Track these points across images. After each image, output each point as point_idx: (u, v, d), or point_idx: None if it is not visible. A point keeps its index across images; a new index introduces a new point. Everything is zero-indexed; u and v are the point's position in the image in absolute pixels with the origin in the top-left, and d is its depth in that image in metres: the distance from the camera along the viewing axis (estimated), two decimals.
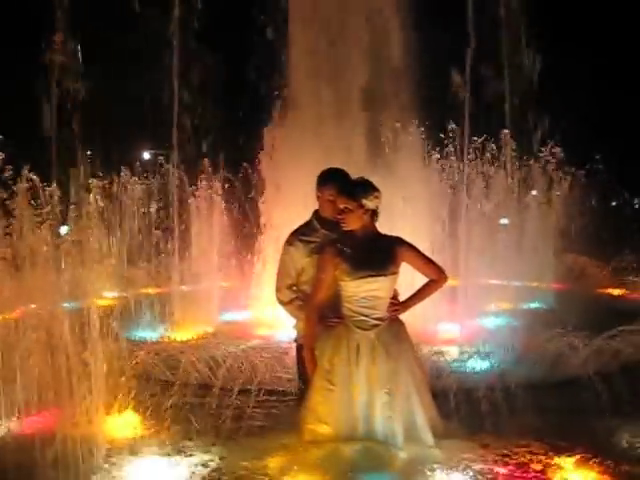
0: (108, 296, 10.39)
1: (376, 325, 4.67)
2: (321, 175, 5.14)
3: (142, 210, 12.33)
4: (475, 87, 9.56)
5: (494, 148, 11.23)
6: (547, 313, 10.11)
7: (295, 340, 5.26)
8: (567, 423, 5.35)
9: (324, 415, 4.66)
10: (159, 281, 11.26)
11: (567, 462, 4.72)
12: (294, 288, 5.05)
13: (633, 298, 11.50)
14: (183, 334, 8.96)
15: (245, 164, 12.87)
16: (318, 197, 5.10)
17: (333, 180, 4.99)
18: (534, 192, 13.11)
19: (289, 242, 5.12)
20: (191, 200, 11.46)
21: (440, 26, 10.63)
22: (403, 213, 9.19)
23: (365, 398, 4.59)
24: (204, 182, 11.76)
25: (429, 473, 4.46)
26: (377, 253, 4.69)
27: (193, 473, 4.70)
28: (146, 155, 33.16)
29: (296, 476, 4.45)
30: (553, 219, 12.50)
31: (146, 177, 13.11)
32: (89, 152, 17.32)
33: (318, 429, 4.66)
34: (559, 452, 4.85)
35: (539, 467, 4.68)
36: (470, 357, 7.03)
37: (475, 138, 10.67)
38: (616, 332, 6.66)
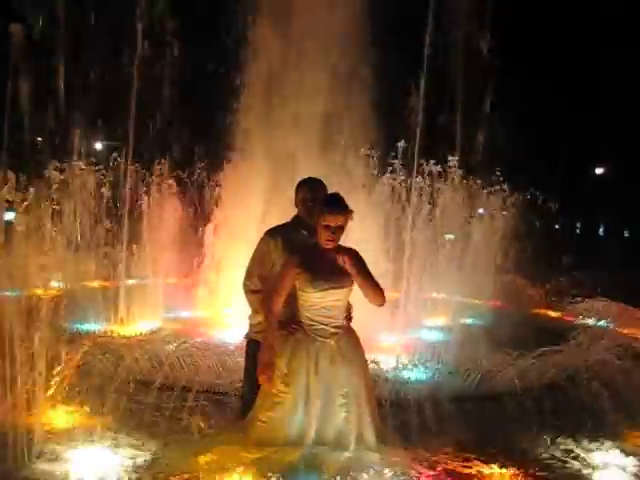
0: (53, 286, 10.34)
1: (335, 333, 4.86)
2: (298, 182, 5.43)
3: (93, 202, 12.20)
4: (428, 110, 9.83)
5: (442, 169, 11.58)
6: (483, 330, 10.47)
7: (246, 336, 5.42)
8: (491, 434, 5.69)
9: (275, 419, 4.79)
10: (106, 274, 11.23)
11: (489, 469, 5.04)
12: (262, 279, 5.22)
13: (566, 320, 11.92)
14: (127, 329, 9.02)
15: (199, 165, 12.95)
16: (295, 203, 5.36)
17: (305, 183, 5.34)
18: (481, 210, 13.56)
19: (271, 235, 5.30)
20: (143, 195, 11.48)
21: (396, 46, 10.85)
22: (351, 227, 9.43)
23: (322, 401, 4.77)
24: (157, 178, 11.81)
25: (363, 476, 4.65)
26: (338, 265, 4.87)
27: (126, 467, 4.83)
28: (99, 146, 32.78)
29: (228, 475, 4.59)
30: (496, 239, 12.93)
31: (98, 170, 12.96)
32: (39, 139, 17.04)
33: (266, 432, 4.79)
34: (483, 460, 5.17)
35: (464, 472, 4.99)
36: (405, 368, 7.31)
37: (424, 161, 11.00)
38: (542, 352, 6.99)
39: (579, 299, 12.06)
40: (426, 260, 11.24)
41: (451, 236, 12.90)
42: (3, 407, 5.01)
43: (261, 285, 5.22)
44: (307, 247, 4.97)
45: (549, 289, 13.43)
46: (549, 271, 14.51)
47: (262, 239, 5.36)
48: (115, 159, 12.05)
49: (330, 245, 4.82)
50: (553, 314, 12.46)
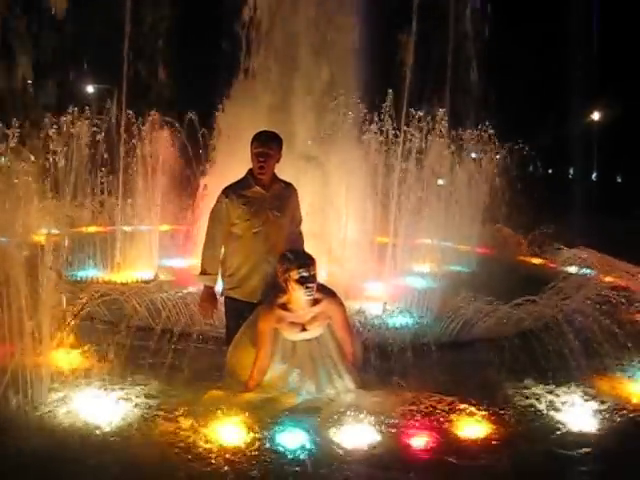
0: (50, 233, 10.57)
1: (315, 299, 5.25)
2: (255, 134, 5.68)
3: (88, 149, 12.31)
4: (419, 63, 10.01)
5: (431, 117, 11.73)
6: (469, 277, 10.86)
7: (221, 294, 5.78)
8: (468, 376, 6.09)
9: (262, 369, 5.28)
10: (101, 221, 11.47)
11: (464, 407, 5.47)
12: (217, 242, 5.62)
13: (550, 268, 12.23)
14: (123, 276, 9.35)
15: (192, 113, 13.03)
16: (251, 155, 5.63)
17: (256, 137, 5.60)
18: (473, 154, 13.82)
19: (226, 194, 5.62)
20: (138, 141, 11.58)
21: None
22: (341, 175, 9.70)
23: (307, 354, 5.27)
24: (152, 124, 11.90)
25: (348, 414, 5.05)
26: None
27: (130, 405, 5.26)
28: (90, 89, 32.50)
29: (226, 413, 4.99)
30: (484, 187, 13.20)
31: (90, 118, 13.00)
32: (29, 82, 16.95)
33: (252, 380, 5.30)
34: (459, 400, 5.57)
35: (440, 410, 5.40)
36: (390, 315, 7.67)
37: (414, 109, 11.13)
38: (521, 301, 7.35)
39: (562, 247, 12.33)
40: (415, 206, 11.46)
41: (442, 181, 13.16)
42: (10, 350, 5.34)
43: (220, 246, 5.61)
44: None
45: (534, 237, 13.70)
46: (536, 219, 14.74)
47: (218, 199, 5.67)
48: (108, 109, 12.09)
49: (310, 298, 5.17)
50: (537, 262, 12.79)
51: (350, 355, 5.49)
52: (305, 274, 5.06)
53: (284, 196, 5.75)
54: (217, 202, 5.69)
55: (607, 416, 5.57)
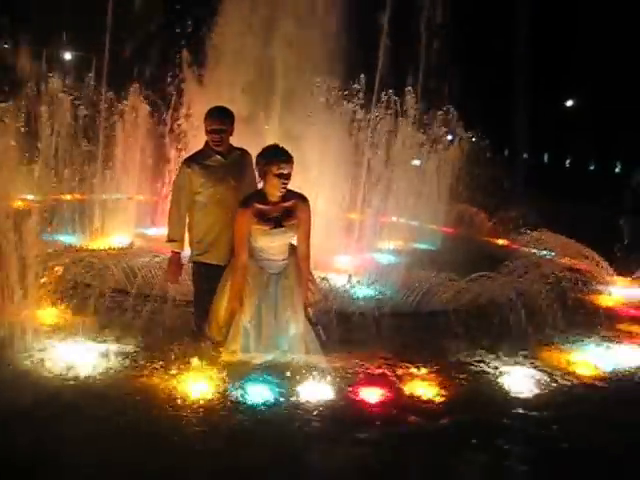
0: (30, 199, 10.87)
1: (282, 266, 5.73)
2: (207, 111, 6.04)
3: (68, 118, 12.48)
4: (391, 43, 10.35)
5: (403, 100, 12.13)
6: (434, 254, 11.33)
7: (189, 260, 6.17)
8: (423, 344, 6.57)
9: (237, 331, 5.67)
10: (80, 190, 11.72)
11: (417, 369, 5.97)
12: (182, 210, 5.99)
13: (512, 248, 12.71)
14: (101, 243, 9.68)
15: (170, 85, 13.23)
16: (205, 130, 5.97)
17: (212, 114, 5.94)
18: (450, 137, 14.27)
19: (187, 164, 6.00)
20: (117, 110, 11.80)
21: None
22: (315, 155, 10.06)
23: (273, 317, 5.66)
24: (130, 94, 12.11)
25: (311, 374, 5.51)
26: (287, 211, 5.65)
27: (112, 356, 5.70)
28: (67, 56, 32.29)
29: (198, 368, 5.51)
30: (453, 169, 13.67)
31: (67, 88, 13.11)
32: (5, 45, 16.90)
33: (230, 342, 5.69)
34: (413, 363, 6.08)
35: (396, 373, 5.89)
36: (354, 286, 8.11)
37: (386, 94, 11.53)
38: (477, 277, 7.83)
39: (525, 229, 12.81)
40: (385, 185, 11.86)
41: (417, 162, 13.61)
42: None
43: (185, 214, 5.99)
44: (257, 196, 5.65)
45: (500, 218, 14.19)
46: (503, 202, 15.19)
47: (180, 169, 6.08)
48: (88, 83, 12.27)
49: (284, 191, 5.55)
50: (501, 242, 13.30)
51: (308, 284, 5.85)
52: (284, 171, 5.50)
53: (242, 163, 6.10)
54: (179, 172, 6.08)
55: (548, 381, 6.11)
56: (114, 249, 9.23)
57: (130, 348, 5.90)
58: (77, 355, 5.64)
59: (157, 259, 7.36)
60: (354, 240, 10.70)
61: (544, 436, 5.13)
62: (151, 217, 11.32)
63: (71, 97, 12.30)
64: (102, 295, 6.45)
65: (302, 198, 5.76)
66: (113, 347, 5.88)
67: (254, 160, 5.78)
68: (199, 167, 5.91)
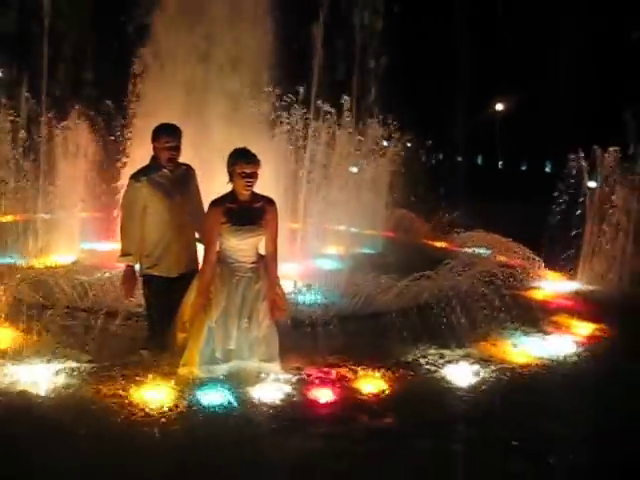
0: None
1: (250, 268, 5.95)
2: (157, 129, 6.24)
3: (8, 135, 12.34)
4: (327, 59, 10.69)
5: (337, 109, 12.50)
6: (375, 258, 11.70)
7: (140, 274, 6.32)
8: (371, 345, 6.88)
9: (197, 331, 5.88)
10: (23, 208, 11.64)
11: (367, 370, 6.31)
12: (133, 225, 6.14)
13: (450, 249, 13.18)
14: (47, 261, 9.71)
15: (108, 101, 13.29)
16: (155, 147, 6.18)
17: (168, 131, 6.15)
18: (386, 144, 14.70)
19: (136, 179, 6.17)
20: (58, 130, 11.74)
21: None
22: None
23: (239, 321, 5.89)
24: (72, 112, 12.06)
25: (268, 378, 5.87)
26: (256, 212, 5.91)
27: (65, 373, 5.83)
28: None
29: (150, 380, 5.71)
30: (389, 175, 14.11)
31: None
32: None
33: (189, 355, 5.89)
34: (363, 364, 6.41)
35: (347, 374, 6.23)
36: (300, 291, 8.37)
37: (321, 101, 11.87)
38: (418, 276, 8.19)
39: (462, 231, 13.32)
40: (325, 194, 12.19)
41: (355, 169, 13.99)
42: None
43: (136, 228, 6.13)
44: (227, 197, 5.88)
45: (437, 221, 14.68)
46: (439, 205, 15.66)
47: (129, 184, 6.23)
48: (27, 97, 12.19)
49: (249, 190, 5.81)
50: (438, 244, 13.77)
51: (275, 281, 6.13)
52: (247, 170, 5.76)
53: (187, 177, 6.35)
54: (128, 187, 6.23)
55: (489, 372, 6.55)
56: (58, 266, 9.27)
57: (83, 364, 6.02)
58: (30, 374, 5.75)
59: (106, 274, 7.48)
60: (297, 248, 10.96)
61: (483, 421, 5.50)
62: (96, 233, 11.32)
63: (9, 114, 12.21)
64: (52, 313, 6.56)
65: (270, 201, 6.03)
66: (65, 364, 5.99)
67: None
68: (148, 182, 6.09)
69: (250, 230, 5.89)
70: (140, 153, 10.48)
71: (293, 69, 11.55)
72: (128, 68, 11.10)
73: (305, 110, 11.73)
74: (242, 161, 5.80)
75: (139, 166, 6.47)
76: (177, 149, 6.15)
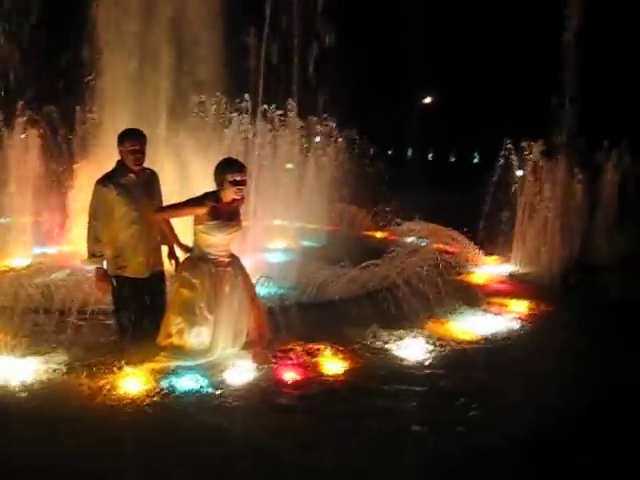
0: None
1: (229, 262, 6.39)
2: (123, 133, 6.53)
3: None
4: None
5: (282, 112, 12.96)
6: (320, 250, 12.19)
7: (110, 275, 6.56)
8: (326, 329, 7.36)
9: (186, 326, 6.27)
10: None
11: (325, 350, 6.83)
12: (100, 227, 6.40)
13: (390, 239, 13.73)
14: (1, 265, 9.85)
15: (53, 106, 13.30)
16: (120, 151, 6.46)
17: (133, 135, 6.46)
18: (318, 139, 15.20)
19: (103, 183, 6.40)
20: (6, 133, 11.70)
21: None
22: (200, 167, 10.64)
23: (223, 312, 6.29)
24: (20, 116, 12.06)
25: (236, 364, 6.29)
26: (235, 211, 6.38)
27: (41, 369, 6.12)
28: None
29: (126, 371, 6.07)
30: (330, 171, 14.62)
31: None
32: None
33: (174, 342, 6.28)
34: (320, 345, 6.92)
35: (307, 356, 6.68)
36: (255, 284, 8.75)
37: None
38: (364, 265, 8.72)
39: (401, 221, 13.87)
40: (270, 191, 12.60)
41: (290, 165, 14.43)
42: None
43: (102, 231, 6.39)
44: (212, 196, 6.26)
45: (376, 213, 15.25)
46: (378, 197, 16.19)
47: (96, 188, 6.44)
48: None
49: (241, 196, 6.28)
50: (379, 235, 14.35)
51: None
52: (238, 178, 6.19)
53: (151, 181, 6.67)
54: (95, 191, 6.42)
55: (436, 348, 7.15)
56: (15, 269, 9.43)
57: (57, 363, 6.28)
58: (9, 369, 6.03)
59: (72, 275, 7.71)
60: (245, 243, 11.32)
61: (432, 390, 6.11)
62: (49, 237, 11.44)
63: None
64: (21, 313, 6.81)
65: (240, 201, 6.46)
66: (41, 361, 6.26)
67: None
68: (115, 186, 6.34)
69: (233, 226, 6.34)
70: (96, 155, 10.83)
71: (237, 74, 11.92)
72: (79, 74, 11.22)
73: (247, 111, 12.12)
74: (232, 170, 6.22)
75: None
76: (142, 152, 6.43)
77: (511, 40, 30.09)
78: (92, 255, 6.43)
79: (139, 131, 6.55)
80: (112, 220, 6.38)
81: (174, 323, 6.29)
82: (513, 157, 12.27)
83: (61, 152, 12.20)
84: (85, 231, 6.46)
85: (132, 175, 6.43)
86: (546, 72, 12.55)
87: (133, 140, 6.40)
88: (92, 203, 6.43)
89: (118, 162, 6.50)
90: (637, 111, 20.93)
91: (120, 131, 6.53)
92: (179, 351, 6.26)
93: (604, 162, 12.73)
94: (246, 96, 11.98)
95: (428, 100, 48.18)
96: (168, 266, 6.71)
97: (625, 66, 26.40)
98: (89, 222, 6.44)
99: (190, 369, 6.15)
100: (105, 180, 6.41)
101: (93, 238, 6.40)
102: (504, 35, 30.78)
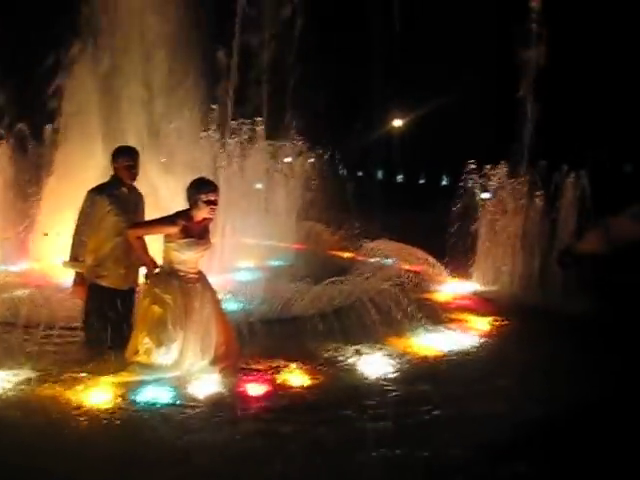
0: None
1: (197, 278, 6.50)
2: (117, 150, 6.82)
3: None
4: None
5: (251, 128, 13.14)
6: (287, 268, 12.34)
7: (87, 282, 6.69)
8: (292, 344, 7.53)
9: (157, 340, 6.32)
10: None
11: (290, 366, 6.94)
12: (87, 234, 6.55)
13: (357, 259, 13.92)
14: None
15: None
16: (115, 167, 6.69)
17: (127, 152, 6.75)
18: (288, 159, 15.41)
19: (96, 192, 6.64)
20: None
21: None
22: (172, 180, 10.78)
23: (193, 328, 6.40)
24: None
25: (203, 378, 6.38)
26: (205, 229, 6.52)
27: (10, 383, 6.15)
28: None
29: (93, 381, 6.17)
30: (297, 190, 14.83)
31: None
32: None
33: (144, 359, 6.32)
34: (285, 361, 7.04)
35: (271, 370, 6.82)
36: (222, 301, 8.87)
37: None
38: (330, 282, 8.89)
39: (368, 240, 14.07)
40: (238, 210, 12.74)
41: (260, 185, 14.63)
42: None
43: (88, 238, 6.55)
44: (184, 215, 6.37)
45: (343, 233, 15.44)
46: (345, 217, 16.40)
47: (87, 197, 6.66)
48: None
49: (213, 215, 6.41)
50: (346, 254, 14.53)
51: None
52: (212, 198, 6.31)
53: (139, 200, 6.96)
54: (87, 200, 6.63)
55: (398, 363, 7.31)
56: None
57: (30, 372, 6.34)
58: None
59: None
60: (214, 262, 11.42)
61: (393, 403, 6.24)
62: (13, 254, 11.43)
63: None
64: None
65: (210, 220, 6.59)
66: (8, 376, 6.27)
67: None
68: (107, 196, 6.57)
69: (203, 244, 6.47)
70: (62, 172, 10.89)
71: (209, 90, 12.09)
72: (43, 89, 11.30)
73: (219, 130, 12.29)
74: (207, 190, 6.35)
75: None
76: (136, 168, 6.69)
77: (479, 65, 30.71)
78: (74, 259, 6.53)
79: (133, 148, 6.89)
80: (99, 229, 6.55)
81: (142, 342, 6.34)
82: (476, 179, 12.55)
83: (29, 168, 12.20)
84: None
85: (125, 189, 6.66)
86: (510, 101, 12.94)
87: (127, 157, 6.70)
88: (83, 208, 6.60)
89: (112, 176, 6.74)
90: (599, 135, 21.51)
91: (114, 148, 6.87)
92: (145, 368, 6.33)
93: (563, 183, 13.05)
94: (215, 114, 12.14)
95: (399, 123, 48.83)
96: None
97: (585, 93, 27.10)
98: (77, 226, 6.60)
99: (156, 382, 6.22)
100: (99, 189, 6.64)
101: (79, 241, 6.55)
102: (471, 60, 31.41)
